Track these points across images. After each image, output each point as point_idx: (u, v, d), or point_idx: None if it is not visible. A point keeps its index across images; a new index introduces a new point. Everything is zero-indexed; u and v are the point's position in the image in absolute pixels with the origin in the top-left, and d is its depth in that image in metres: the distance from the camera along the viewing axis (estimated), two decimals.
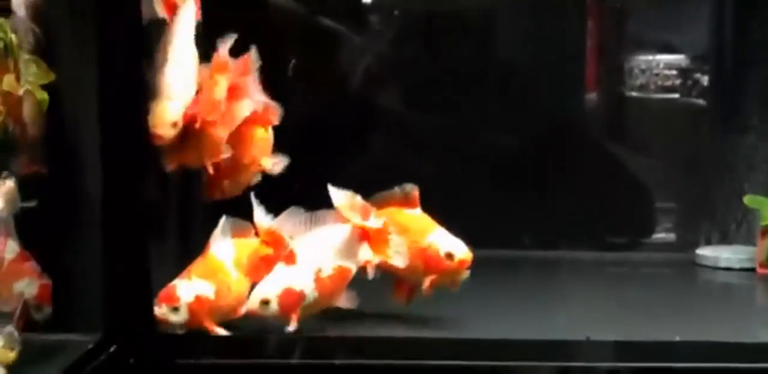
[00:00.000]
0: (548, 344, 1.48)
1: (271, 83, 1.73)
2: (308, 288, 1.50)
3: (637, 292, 1.88)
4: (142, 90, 1.50)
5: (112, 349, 1.46)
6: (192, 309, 1.48)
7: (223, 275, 1.52)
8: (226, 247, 1.55)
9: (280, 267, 1.51)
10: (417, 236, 1.58)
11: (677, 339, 1.50)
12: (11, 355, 1.29)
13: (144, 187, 1.50)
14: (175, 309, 1.48)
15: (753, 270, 2.00)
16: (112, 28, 1.44)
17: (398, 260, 1.56)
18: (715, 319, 1.68)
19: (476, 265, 1.99)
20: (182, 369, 1.48)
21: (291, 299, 1.48)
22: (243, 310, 1.49)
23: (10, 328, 1.31)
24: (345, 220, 1.54)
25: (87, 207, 1.47)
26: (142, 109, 1.50)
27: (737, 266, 2.02)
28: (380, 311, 1.57)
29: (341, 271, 1.53)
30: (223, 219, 1.56)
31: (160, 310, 1.48)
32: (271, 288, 1.49)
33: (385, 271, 1.58)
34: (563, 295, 1.85)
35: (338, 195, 1.53)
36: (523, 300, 1.79)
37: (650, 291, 1.89)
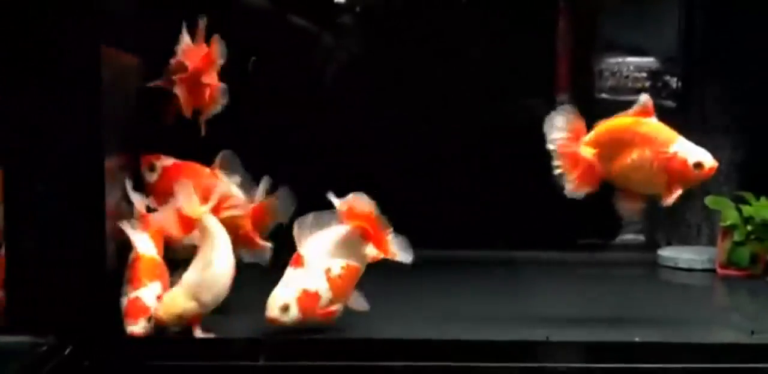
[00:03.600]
0: (508, 344, 1.50)
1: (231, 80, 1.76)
2: (322, 288, 1.52)
3: (598, 293, 1.90)
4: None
5: (67, 351, 1.46)
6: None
7: (162, 270, 1.56)
8: (147, 243, 1.57)
9: (290, 272, 1.52)
10: (661, 146, 1.57)
11: (637, 340, 1.53)
12: None
13: (101, 191, 1.51)
14: (150, 319, 1.50)
15: (713, 270, 2.04)
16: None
17: (403, 256, 1.58)
18: (674, 320, 1.71)
19: (444, 266, 2.03)
20: (138, 371, 1.48)
21: (309, 301, 1.50)
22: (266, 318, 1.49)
23: None
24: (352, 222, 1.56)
25: (42, 208, 1.48)
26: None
27: (698, 267, 2.06)
28: (346, 314, 1.58)
29: (350, 270, 1.55)
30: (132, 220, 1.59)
31: (139, 325, 1.49)
32: (288, 292, 1.50)
33: (618, 183, 1.58)
34: (529, 295, 1.87)
35: (339, 202, 1.55)
36: (489, 300, 1.81)
37: (611, 291, 1.92)
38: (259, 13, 2.14)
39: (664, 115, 2.18)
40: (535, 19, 2.20)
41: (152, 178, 1.69)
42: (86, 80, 1.48)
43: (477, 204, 2.15)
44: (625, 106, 2.21)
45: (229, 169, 1.72)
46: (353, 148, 2.13)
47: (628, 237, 2.23)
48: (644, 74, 2.21)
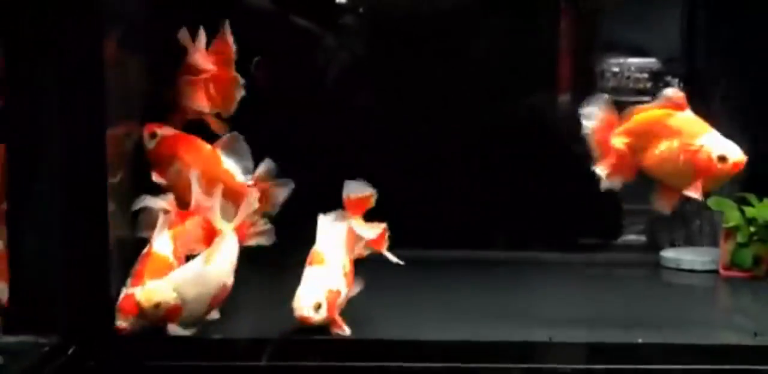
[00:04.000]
0: (510, 345, 1.51)
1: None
2: (342, 285, 1.53)
3: (601, 294, 1.90)
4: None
5: (70, 351, 1.46)
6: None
7: (170, 270, 1.54)
8: (165, 241, 1.57)
9: (313, 270, 1.52)
10: (688, 138, 1.57)
11: (639, 341, 1.53)
12: None
13: (104, 192, 1.50)
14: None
15: (716, 272, 2.03)
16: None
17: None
18: (677, 321, 1.71)
19: (445, 266, 2.03)
20: (142, 371, 1.48)
21: (333, 299, 1.51)
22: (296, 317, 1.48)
23: None
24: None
25: (46, 208, 1.47)
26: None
27: (700, 268, 2.05)
28: (347, 315, 1.57)
29: (352, 265, 1.57)
30: (161, 215, 1.59)
31: (127, 321, 1.49)
32: (318, 291, 1.50)
33: (651, 176, 1.59)
34: (531, 296, 1.87)
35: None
36: (491, 301, 1.81)
37: (614, 292, 1.92)
38: (262, 14, 2.14)
39: None
40: (536, 19, 2.20)
41: (151, 145, 1.70)
42: (89, 78, 1.48)
43: (478, 204, 2.14)
44: (627, 106, 2.23)
45: (233, 151, 1.71)
46: (355, 148, 2.12)
47: (630, 238, 2.23)
48: (646, 75, 2.21)
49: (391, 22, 2.19)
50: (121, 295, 1.52)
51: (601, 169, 1.61)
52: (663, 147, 1.58)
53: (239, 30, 1.77)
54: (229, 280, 1.55)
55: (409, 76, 2.16)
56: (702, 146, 1.56)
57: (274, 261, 1.74)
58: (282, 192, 1.73)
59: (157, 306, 1.45)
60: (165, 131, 1.71)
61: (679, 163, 1.57)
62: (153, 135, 1.70)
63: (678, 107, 1.59)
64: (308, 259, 1.55)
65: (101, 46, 1.49)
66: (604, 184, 1.62)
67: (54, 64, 1.45)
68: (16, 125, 1.47)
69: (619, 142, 1.61)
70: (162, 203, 1.61)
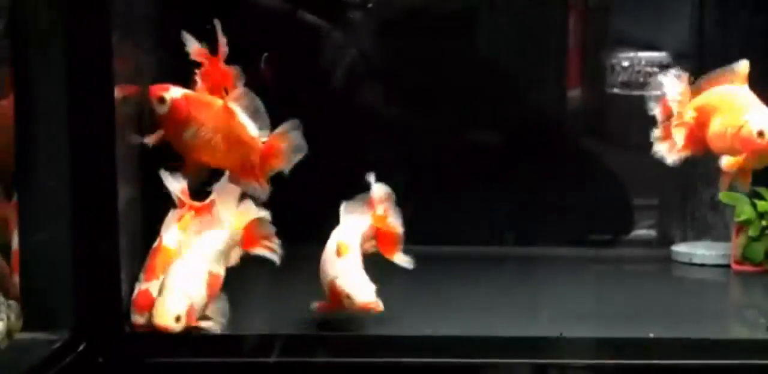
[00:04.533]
0: (521, 340, 1.50)
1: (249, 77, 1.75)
2: None
3: (612, 289, 1.90)
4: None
5: (80, 348, 1.46)
6: None
7: None
8: (175, 235, 1.56)
9: (349, 261, 1.53)
10: (735, 114, 1.58)
11: (651, 336, 1.52)
12: (19, 324, 1.38)
13: (113, 187, 1.50)
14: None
15: (728, 266, 2.03)
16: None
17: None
18: (689, 316, 1.70)
19: (455, 262, 2.02)
20: (151, 368, 1.48)
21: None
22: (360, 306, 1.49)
23: (12, 302, 1.38)
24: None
25: (56, 204, 1.47)
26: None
27: (712, 262, 2.05)
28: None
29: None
30: (171, 210, 1.58)
31: (142, 316, 1.48)
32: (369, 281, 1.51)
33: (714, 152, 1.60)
34: (541, 292, 1.86)
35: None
36: (502, 297, 1.81)
37: (626, 287, 1.92)
38: (269, 9, 2.13)
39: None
40: (545, 13, 2.19)
41: (163, 110, 1.62)
42: (97, 73, 1.48)
43: (488, 200, 2.14)
44: (637, 100, 2.22)
45: (247, 106, 1.65)
46: (362, 144, 2.12)
47: (641, 232, 2.22)
48: (656, 69, 2.20)
49: (399, 19, 2.19)
50: (135, 291, 1.52)
51: (672, 144, 1.62)
52: (717, 122, 1.59)
53: (246, 26, 1.76)
54: (216, 268, 1.53)
55: (418, 72, 2.15)
56: (747, 121, 1.55)
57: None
58: (298, 153, 1.67)
59: (178, 319, 1.44)
60: (173, 93, 1.63)
61: (728, 139, 1.57)
62: (162, 99, 1.62)
63: (741, 80, 1.60)
64: (336, 250, 1.54)
65: (110, 40, 1.48)
66: (671, 158, 1.62)
67: (62, 58, 1.45)
68: (25, 121, 1.46)
69: (689, 115, 1.62)
70: (176, 187, 1.58)
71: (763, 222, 1.98)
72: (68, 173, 1.46)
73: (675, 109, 1.66)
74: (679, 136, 1.64)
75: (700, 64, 2.19)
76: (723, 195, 2.04)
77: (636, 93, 2.20)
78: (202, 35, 1.68)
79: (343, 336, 1.52)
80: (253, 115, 1.64)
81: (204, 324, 1.49)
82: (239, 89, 1.65)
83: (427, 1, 2.18)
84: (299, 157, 1.66)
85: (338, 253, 1.53)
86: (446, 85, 2.16)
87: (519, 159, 2.15)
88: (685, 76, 1.66)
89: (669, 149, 1.66)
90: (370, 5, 2.19)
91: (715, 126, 1.60)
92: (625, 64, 2.20)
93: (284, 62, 2.09)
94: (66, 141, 1.45)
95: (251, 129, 1.64)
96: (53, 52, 1.45)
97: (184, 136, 1.63)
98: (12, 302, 1.42)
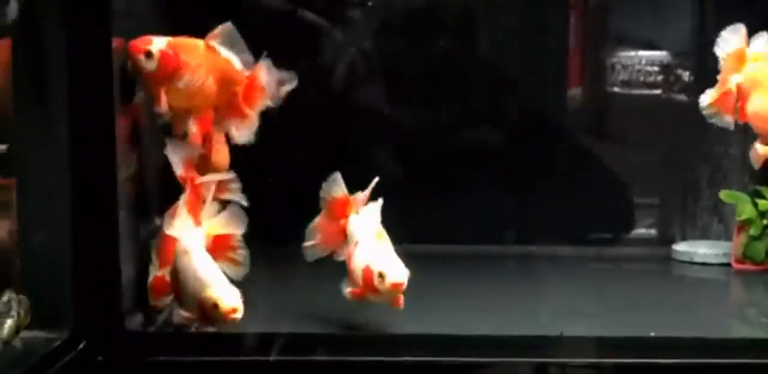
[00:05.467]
0: (521, 339, 1.50)
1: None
2: None
3: (613, 288, 1.89)
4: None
5: (80, 346, 1.46)
6: None
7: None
8: (184, 221, 1.54)
9: (383, 245, 1.52)
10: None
11: (652, 334, 1.52)
12: (27, 319, 1.39)
13: (113, 187, 1.49)
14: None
15: (728, 265, 2.02)
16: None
17: None
18: (690, 315, 1.70)
19: (456, 260, 2.02)
20: (152, 367, 1.48)
21: None
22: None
23: (22, 297, 1.38)
24: None
25: (55, 205, 1.47)
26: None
27: (713, 261, 2.05)
28: (360, 308, 1.58)
29: None
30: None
31: (160, 301, 1.51)
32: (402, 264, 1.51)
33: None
34: (542, 291, 1.86)
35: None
36: (503, 296, 1.81)
37: (626, 286, 1.91)
38: (270, 9, 2.13)
39: (676, 108, 2.22)
40: (546, 12, 2.19)
41: (151, 65, 1.52)
42: (97, 71, 1.46)
43: (488, 198, 2.13)
44: (638, 100, 2.22)
45: (228, 42, 1.60)
46: (362, 144, 2.12)
47: (641, 231, 2.22)
48: (656, 68, 2.20)
49: (399, 18, 2.19)
50: (150, 277, 1.53)
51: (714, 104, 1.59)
52: (759, 100, 1.56)
53: (245, 25, 1.76)
54: None
55: (418, 72, 2.16)
56: None
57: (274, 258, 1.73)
58: (286, 86, 1.65)
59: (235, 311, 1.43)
60: (158, 44, 1.53)
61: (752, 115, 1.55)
62: (148, 54, 1.52)
63: None
64: (376, 234, 1.54)
65: (110, 38, 1.48)
66: (711, 118, 1.60)
67: (63, 57, 1.44)
68: (23, 118, 1.46)
69: (734, 80, 1.59)
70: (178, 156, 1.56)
71: (764, 221, 1.98)
72: (68, 173, 1.45)
73: (722, 68, 1.59)
74: (706, 97, 1.57)
75: (701, 63, 2.19)
76: (724, 194, 2.04)
77: (636, 92, 2.20)
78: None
79: (342, 335, 1.52)
80: (235, 50, 1.60)
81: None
82: (220, 27, 1.60)
83: (428, 1, 2.18)
84: (287, 89, 1.64)
85: (378, 237, 1.53)
86: (446, 84, 2.16)
87: (519, 158, 2.15)
88: (743, 31, 1.58)
89: (714, 113, 1.60)
90: (370, 4, 2.19)
91: (756, 104, 1.56)
92: (626, 63, 2.20)
93: (284, 61, 2.09)
94: (66, 141, 1.45)
95: (236, 63, 1.60)
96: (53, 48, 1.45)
97: (178, 85, 1.54)
98: (22, 297, 1.41)
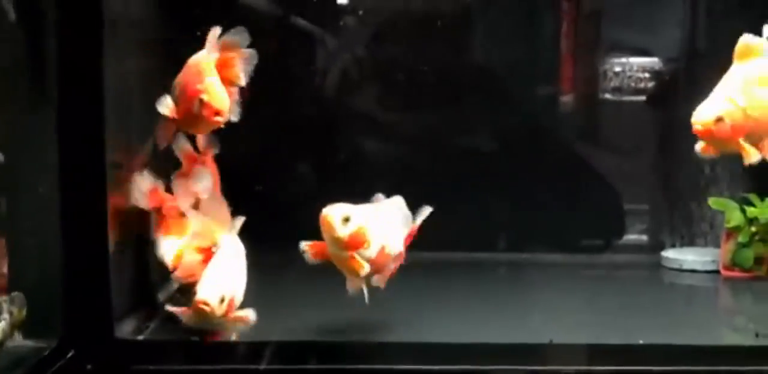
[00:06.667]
0: (511, 347, 1.51)
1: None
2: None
3: (602, 295, 1.90)
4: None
5: (69, 355, 1.46)
6: None
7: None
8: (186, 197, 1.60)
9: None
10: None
11: (641, 342, 1.53)
12: (23, 315, 1.39)
13: (103, 194, 1.50)
14: None
15: (717, 272, 2.03)
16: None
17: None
18: (678, 322, 1.71)
19: (447, 268, 2.02)
20: None
21: None
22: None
23: (16, 293, 1.39)
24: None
25: (45, 211, 1.47)
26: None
27: (702, 268, 2.05)
28: (350, 317, 1.59)
29: None
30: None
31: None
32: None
33: None
34: (533, 298, 1.87)
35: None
36: (493, 303, 1.81)
37: (615, 293, 1.92)
38: (262, 15, 2.13)
39: (667, 114, 2.22)
40: (538, 19, 2.20)
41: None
42: (88, 79, 1.47)
43: (480, 206, 2.14)
44: (629, 106, 2.22)
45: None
46: (356, 151, 2.12)
47: (632, 238, 2.23)
48: (648, 74, 2.21)
49: (392, 25, 2.19)
50: (171, 255, 1.56)
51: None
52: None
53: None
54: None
55: (411, 78, 2.15)
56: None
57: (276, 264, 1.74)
58: (248, 62, 1.61)
59: (222, 300, 1.48)
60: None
61: None
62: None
63: None
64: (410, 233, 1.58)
65: (101, 46, 1.48)
66: None
67: (53, 65, 1.45)
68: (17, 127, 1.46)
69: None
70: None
71: (753, 229, 1.99)
72: (57, 180, 1.46)
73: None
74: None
75: (691, 70, 2.20)
76: (713, 201, 2.04)
77: (627, 98, 2.21)
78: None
79: (333, 343, 1.53)
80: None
81: (242, 312, 1.50)
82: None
83: (421, 6, 2.18)
84: (253, 62, 1.61)
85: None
86: (439, 90, 2.16)
87: (511, 165, 2.15)
88: None
89: None
90: (362, 11, 2.19)
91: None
92: (617, 69, 2.21)
93: (277, 67, 2.09)
94: (55, 149, 1.46)
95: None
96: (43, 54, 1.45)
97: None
98: (15, 293, 1.41)
